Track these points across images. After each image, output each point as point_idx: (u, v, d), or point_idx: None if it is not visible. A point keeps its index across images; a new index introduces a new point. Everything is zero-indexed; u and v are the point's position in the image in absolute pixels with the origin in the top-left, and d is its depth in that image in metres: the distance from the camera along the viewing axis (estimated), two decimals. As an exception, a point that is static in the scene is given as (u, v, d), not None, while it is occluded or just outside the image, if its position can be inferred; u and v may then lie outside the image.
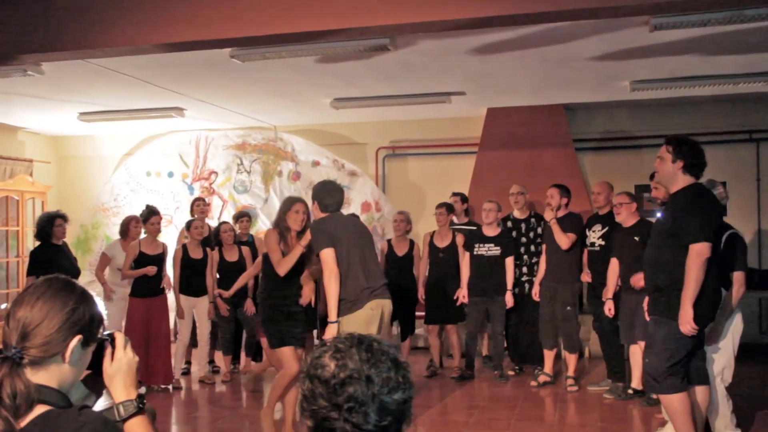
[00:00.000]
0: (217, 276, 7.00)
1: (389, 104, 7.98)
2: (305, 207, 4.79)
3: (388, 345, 1.44)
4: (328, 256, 4.36)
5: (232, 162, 9.56)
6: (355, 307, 4.35)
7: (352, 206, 8.99)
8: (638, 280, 5.07)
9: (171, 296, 6.90)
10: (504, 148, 8.73)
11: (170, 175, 9.68)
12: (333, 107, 8.13)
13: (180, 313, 6.75)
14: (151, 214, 6.61)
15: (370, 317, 4.36)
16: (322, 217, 4.52)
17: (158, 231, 6.68)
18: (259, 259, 6.43)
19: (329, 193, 4.56)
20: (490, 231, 6.82)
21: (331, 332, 4.29)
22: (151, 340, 6.46)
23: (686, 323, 3.75)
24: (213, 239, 7.09)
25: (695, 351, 4.00)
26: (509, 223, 7.20)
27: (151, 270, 6.38)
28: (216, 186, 9.60)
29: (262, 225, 9.27)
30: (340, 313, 4.35)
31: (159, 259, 6.61)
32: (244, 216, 7.72)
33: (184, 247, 6.84)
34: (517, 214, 7.16)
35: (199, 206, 7.55)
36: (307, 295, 5.02)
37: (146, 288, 6.48)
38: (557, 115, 8.58)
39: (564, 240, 6.27)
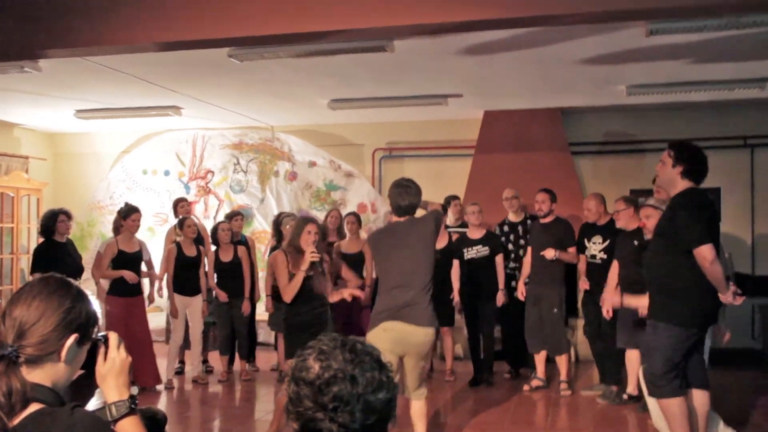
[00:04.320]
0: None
1: (386, 105, 8.00)
2: (317, 227, 4.85)
3: (371, 347, 1.46)
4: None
5: (229, 161, 9.57)
6: (372, 326, 4.30)
7: (348, 207, 9.02)
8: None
9: (155, 295, 6.92)
10: (500, 151, 8.75)
11: (166, 173, 9.68)
12: (330, 108, 8.12)
13: (174, 313, 6.71)
14: (131, 211, 6.54)
15: (382, 340, 4.11)
16: (378, 228, 4.52)
17: (137, 228, 6.63)
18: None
19: (399, 196, 4.36)
20: (476, 233, 6.81)
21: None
22: (131, 340, 6.38)
23: (727, 296, 3.79)
24: (211, 238, 7.10)
25: (692, 353, 4.00)
26: (506, 227, 7.22)
27: (129, 275, 6.38)
28: (212, 185, 9.61)
29: (258, 225, 9.35)
30: (368, 330, 4.38)
31: (137, 257, 6.59)
32: (237, 215, 7.67)
33: (178, 246, 6.78)
34: (512, 217, 7.20)
35: (184, 207, 7.55)
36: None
37: (125, 287, 6.43)
38: (554, 118, 8.60)
39: (572, 257, 6.33)
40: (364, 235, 7.78)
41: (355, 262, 6.84)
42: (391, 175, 9.49)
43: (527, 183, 7.68)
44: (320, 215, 8.21)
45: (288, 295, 4.73)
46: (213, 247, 7.24)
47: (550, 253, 6.23)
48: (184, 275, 6.74)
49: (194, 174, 9.64)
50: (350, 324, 6.78)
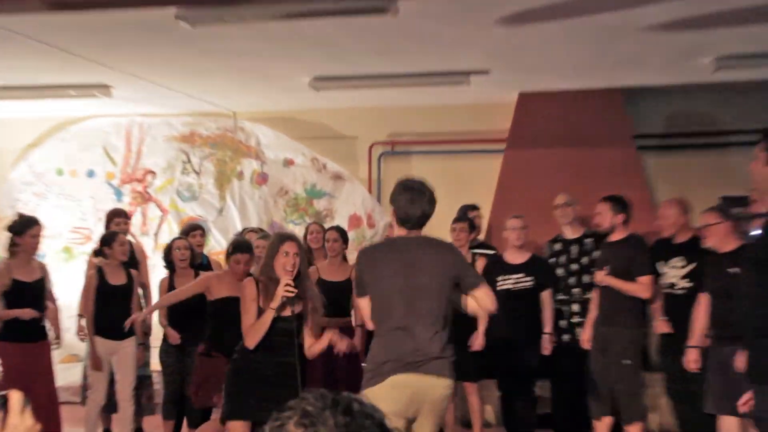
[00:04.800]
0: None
1: (388, 85, 7.99)
2: (297, 247, 4.87)
3: (372, 407, 1.43)
4: (361, 307, 4.49)
5: (176, 159, 9.56)
6: (374, 380, 4.24)
7: (336, 220, 9.05)
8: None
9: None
10: (540, 145, 8.77)
11: (90, 174, 9.63)
12: (313, 88, 8.11)
13: (95, 363, 6.61)
14: (27, 224, 6.40)
15: (392, 400, 4.10)
16: (372, 245, 4.55)
17: (37, 247, 6.50)
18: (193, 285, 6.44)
19: (409, 203, 4.34)
20: (517, 256, 6.83)
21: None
22: (32, 399, 6.15)
23: None
24: (164, 260, 7.05)
25: None
26: (558, 245, 7.20)
27: (26, 313, 6.26)
28: (153, 191, 9.56)
29: (216, 244, 9.32)
30: (363, 383, 4.36)
31: (39, 288, 6.46)
32: (197, 228, 7.56)
33: (100, 271, 6.71)
34: (567, 232, 7.15)
35: (120, 223, 7.46)
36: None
37: (24, 330, 6.30)
38: (613, 102, 8.60)
39: (637, 289, 6.22)
40: (354, 256, 7.69)
41: (339, 293, 6.80)
42: (393, 177, 9.04)
43: (577, 188, 7.66)
44: (299, 231, 8.22)
45: (251, 339, 4.76)
46: (150, 274, 7.26)
47: (599, 276, 6.26)
48: (108, 311, 6.61)
49: (128, 175, 9.58)
50: (333, 376, 6.74)
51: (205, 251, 8.40)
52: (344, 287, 6.84)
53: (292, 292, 4.69)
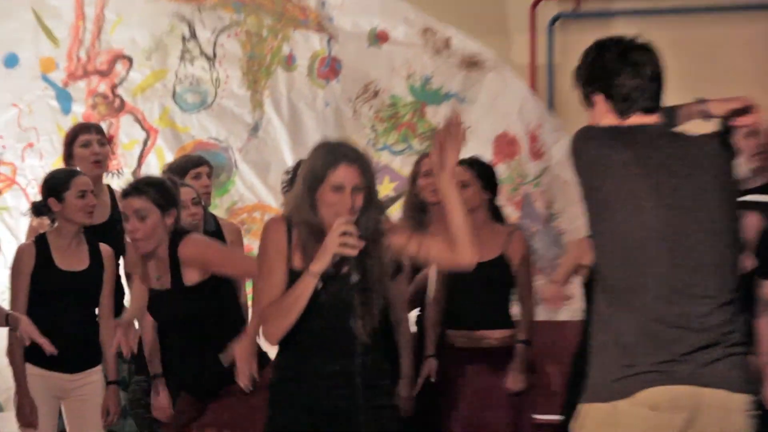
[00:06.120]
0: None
1: None
2: (361, 174, 4.51)
3: None
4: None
5: (170, 33, 8.98)
6: (607, 391, 3.63)
7: (471, 144, 8.18)
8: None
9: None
10: None
11: (10, 62, 9.04)
12: None
13: (25, 414, 6.25)
14: None
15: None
16: (591, 127, 3.84)
17: None
18: None
19: (620, 66, 3.74)
20: None
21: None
22: None
23: None
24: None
25: None
26: None
27: None
28: (128, 93, 8.97)
29: (245, 191, 8.95)
30: (573, 397, 4.19)
31: None
32: (198, 165, 7.24)
33: (40, 242, 6.45)
34: None
35: (90, 145, 7.21)
36: None
37: None
38: None
39: None
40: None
41: (492, 284, 6.62)
42: (574, 58, 8.42)
43: None
44: (400, 163, 8.60)
45: (274, 327, 4.52)
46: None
47: None
48: (54, 319, 6.21)
49: (82, 65, 8.97)
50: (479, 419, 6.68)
51: (224, 208, 8.89)
52: (499, 272, 6.67)
53: (355, 245, 4.24)
